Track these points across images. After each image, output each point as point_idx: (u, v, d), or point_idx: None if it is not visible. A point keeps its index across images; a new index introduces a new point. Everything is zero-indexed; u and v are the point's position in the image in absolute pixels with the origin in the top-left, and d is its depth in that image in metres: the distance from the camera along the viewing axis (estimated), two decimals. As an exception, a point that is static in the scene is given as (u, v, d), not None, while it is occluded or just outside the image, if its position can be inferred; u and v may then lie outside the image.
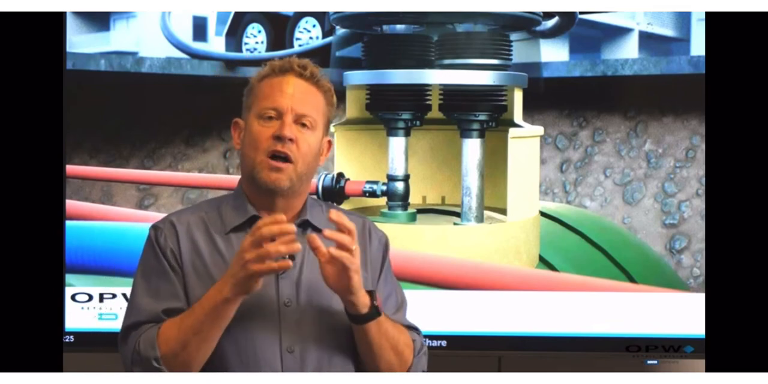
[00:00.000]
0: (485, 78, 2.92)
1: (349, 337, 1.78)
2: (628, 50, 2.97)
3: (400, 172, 3.02)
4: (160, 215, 3.03)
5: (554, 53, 2.97)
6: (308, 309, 1.78)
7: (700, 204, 2.96)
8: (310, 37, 3.04)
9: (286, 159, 1.75)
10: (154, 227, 1.83)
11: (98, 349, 2.98)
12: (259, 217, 1.75)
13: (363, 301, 1.71)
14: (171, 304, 1.76)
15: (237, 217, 1.81)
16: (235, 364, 1.75)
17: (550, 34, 2.98)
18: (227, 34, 3.05)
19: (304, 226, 1.81)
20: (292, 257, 1.73)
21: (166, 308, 1.76)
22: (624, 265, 2.99)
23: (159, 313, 1.76)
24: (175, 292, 1.77)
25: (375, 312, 1.73)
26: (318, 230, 1.77)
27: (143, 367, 1.72)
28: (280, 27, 3.05)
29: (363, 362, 1.80)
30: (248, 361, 1.75)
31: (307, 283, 1.79)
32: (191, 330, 1.70)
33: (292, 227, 1.64)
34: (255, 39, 3.05)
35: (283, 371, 1.74)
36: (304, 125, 1.76)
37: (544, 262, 3.00)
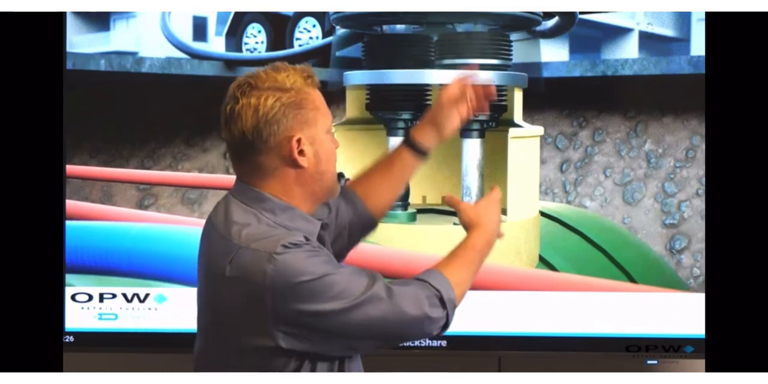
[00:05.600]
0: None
1: None
2: (628, 50, 2.97)
3: (400, 172, 3.01)
4: (160, 215, 3.06)
5: (554, 53, 2.97)
6: None
7: (700, 204, 2.96)
8: (310, 37, 3.04)
9: None
10: (295, 244, 1.69)
11: (98, 349, 2.99)
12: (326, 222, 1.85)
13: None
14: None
15: (313, 225, 1.80)
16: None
17: (550, 34, 2.98)
18: (227, 34, 3.05)
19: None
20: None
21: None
22: (624, 265, 2.99)
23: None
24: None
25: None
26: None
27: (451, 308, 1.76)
28: (280, 27, 3.05)
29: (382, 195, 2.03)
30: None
31: None
32: (473, 274, 1.82)
33: None
34: (255, 39, 3.05)
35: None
36: None
37: (544, 262, 3.00)
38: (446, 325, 1.75)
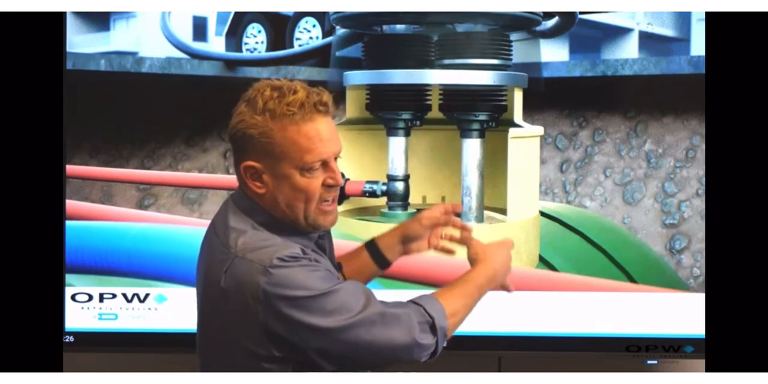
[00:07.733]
0: (485, 78, 2.92)
1: None
2: (628, 50, 2.97)
3: (400, 172, 3.02)
4: (160, 215, 3.06)
5: (554, 53, 2.97)
6: None
7: (700, 204, 2.96)
8: (310, 37, 3.04)
9: (334, 199, 1.77)
10: (293, 257, 1.68)
11: (98, 349, 2.99)
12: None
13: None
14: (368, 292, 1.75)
15: (308, 238, 1.79)
16: None
17: (550, 34, 2.98)
18: (227, 34, 3.05)
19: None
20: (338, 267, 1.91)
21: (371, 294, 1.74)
22: (624, 265, 2.99)
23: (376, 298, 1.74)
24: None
25: None
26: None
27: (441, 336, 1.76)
28: (280, 27, 3.05)
29: None
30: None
31: None
32: (469, 307, 1.83)
33: None
34: (255, 39, 3.05)
35: None
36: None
37: (544, 262, 3.00)
38: (435, 353, 1.75)
